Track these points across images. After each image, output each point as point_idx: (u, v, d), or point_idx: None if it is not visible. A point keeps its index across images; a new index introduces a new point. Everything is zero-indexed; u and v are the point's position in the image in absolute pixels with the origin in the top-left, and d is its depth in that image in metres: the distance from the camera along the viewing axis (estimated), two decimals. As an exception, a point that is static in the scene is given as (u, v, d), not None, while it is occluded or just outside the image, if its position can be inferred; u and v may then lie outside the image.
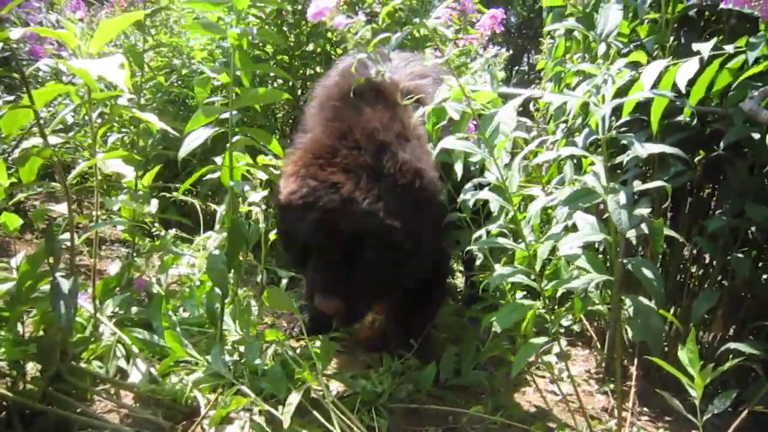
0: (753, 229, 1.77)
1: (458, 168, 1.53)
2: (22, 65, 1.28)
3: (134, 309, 1.84)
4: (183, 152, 1.51)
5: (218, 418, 1.48)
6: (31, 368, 1.45)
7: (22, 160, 1.30)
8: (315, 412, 1.49)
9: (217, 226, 2.00)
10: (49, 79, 3.32)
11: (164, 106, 3.07)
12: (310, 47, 3.05)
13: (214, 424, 1.47)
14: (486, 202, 1.49)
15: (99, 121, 2.21)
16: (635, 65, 1.46)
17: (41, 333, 1.39)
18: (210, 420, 1.47)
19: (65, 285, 1.25)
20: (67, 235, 1.38)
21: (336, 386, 1.68)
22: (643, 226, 1.13)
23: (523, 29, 7.59)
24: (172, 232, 2.36)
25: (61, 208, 1.37)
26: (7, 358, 1.36)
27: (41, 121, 1.33)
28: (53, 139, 1.43)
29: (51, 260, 1.30)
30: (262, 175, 1.85)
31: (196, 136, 1.50)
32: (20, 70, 1.26)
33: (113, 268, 1.97)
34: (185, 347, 1.64)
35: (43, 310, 1.37)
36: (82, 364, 1.55)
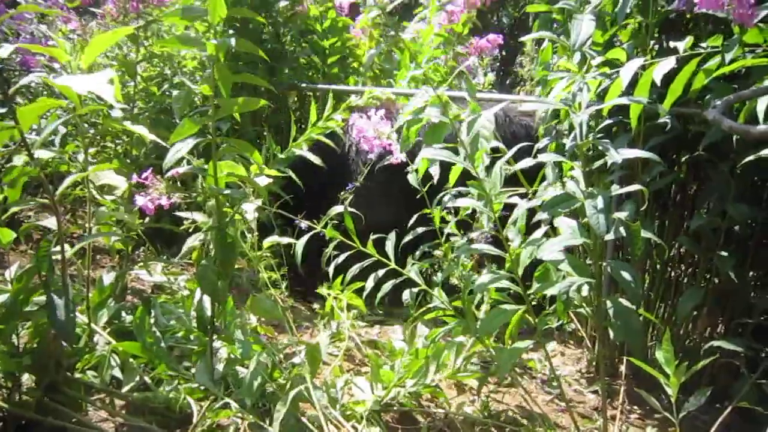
0: (736, 228, 1.81)
1: (435, 171, 1.59)
2: (6, 86, 1.27)
3: (129, 318, 1.86)
4: (167, 163, 1.52)
5: (210, 426, 1.50)
6: (27, 379, 1.47)
7: (8, 178, 1.32)
8: (305, 420, 1.52)
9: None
10: (41, 90, 3.33)
11: (157, 116, 3.09)
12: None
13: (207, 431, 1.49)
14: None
15: (92, 131, 2.25)
16: (613, 65, 1.49)
17: (35, 345, 1.41)
18: (202, 428, 1.49)
19: (62, 298, 1.27)
20: (59, 248, 1.40)
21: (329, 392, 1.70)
22: (621, 229, 1.15)
23: (516, 31, 7.61)
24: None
25: (52, 222, 1.40)
26: (3, 370, 1.38)
27: (28, 139, 1.35)
28: (43, 153, 1.45)
29: (44, 274, 1.32)
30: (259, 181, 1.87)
31: (179, 147, 1.51)
32: (4, 92, 1.26)
33: (107, 278, 1.99)
34: (170, 363, 1.66)
35: (37, 322, 1.39)
36: (77, 375, 1.57)
